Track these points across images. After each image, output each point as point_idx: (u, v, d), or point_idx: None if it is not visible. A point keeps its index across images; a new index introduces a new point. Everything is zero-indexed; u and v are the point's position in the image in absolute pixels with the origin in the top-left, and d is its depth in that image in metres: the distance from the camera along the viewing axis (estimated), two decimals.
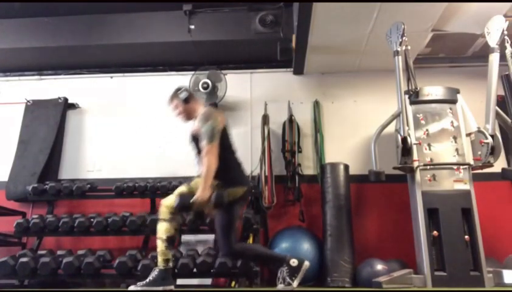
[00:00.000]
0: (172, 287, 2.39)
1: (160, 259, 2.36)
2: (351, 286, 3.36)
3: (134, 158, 4.37)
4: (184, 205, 2.29)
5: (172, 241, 2.40)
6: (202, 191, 2.24)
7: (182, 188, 2.50)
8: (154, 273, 2.36)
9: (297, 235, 3.67)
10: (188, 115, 2.60)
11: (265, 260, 2.62)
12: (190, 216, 3.30)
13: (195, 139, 2.45)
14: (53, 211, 4.04)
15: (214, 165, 2.29)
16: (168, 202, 2.41)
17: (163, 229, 2.37)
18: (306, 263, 2.39)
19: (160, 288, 2.32)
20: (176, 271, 3.03)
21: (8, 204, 4.06)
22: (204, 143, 2.33)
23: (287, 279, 2.32)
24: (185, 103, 2.58)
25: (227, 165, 2.40)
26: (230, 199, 2.32)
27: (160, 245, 2.36)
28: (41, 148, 4.29)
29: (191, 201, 2.25)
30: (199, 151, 2.42)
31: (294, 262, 2.36)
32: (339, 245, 3.49)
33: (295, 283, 2.31)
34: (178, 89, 2.63)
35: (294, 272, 2.34)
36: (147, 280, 2.35)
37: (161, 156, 4.40)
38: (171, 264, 2.40)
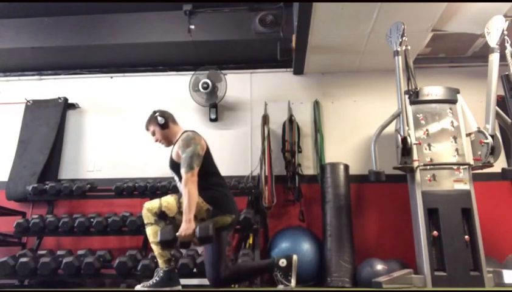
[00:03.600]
0: (179, 287, 2.35)
1: (160, 261, 2.29)
2: (351, 286, 3.36)
3: (134, 158, 4.37)
4: (168, 241, 2.14)
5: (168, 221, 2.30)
6: (186, 224, 2.11)
7: (170, 200, 2.30)
8: (159, 274, 2.29)
9: (297, 235, 3.67)
10: (168, 141, 2.47)
11: (255, 273, 2.57)
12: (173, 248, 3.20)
13: (175, 165, 2.34)
14: (53, 211, 4.04)
15: (195, 194, 2.17)
16: (151, 205, 2.28)
17: (152, 233, 2.26)
18: (295, 258, 2.34)
19: (168, 289, 2.27)
20: (176, 271, 3.02)
21: (8, 204, 4.06)
22: (183, 171, 2.20)
23: (284, 281, 2.30)
24: (163, 128, 2.44)
25: (214, 190, 2.30)
26: (218, 227, 2.22)
27: (155, 248, 2.27)
28: (41, 148, 4.29)
29: (176, 235, 2.13)
30: (180, 178, 2.28)
31: (282, 262, 2.32)
32: (339, 245, 3.49)
33: (292, 282, 2.30)
34: (154, 113, 2.49)
35: (286, 271, 2.31)
36: (153, 280, 2.29)
37: (161, 156, 4.37)
38: (173, 263, 2.35)
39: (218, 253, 2.30)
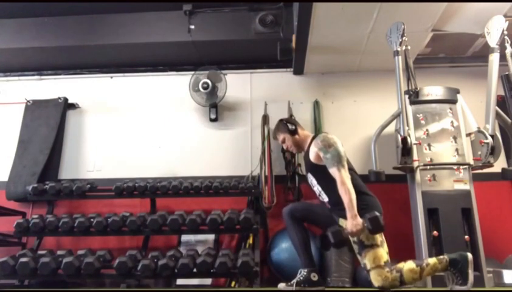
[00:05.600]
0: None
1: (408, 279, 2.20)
2: (351, 286, 3.36)
3: (134, 158, 4.37)
4: (340, 240, 2.14)
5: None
6: (353, 220, 2.11)
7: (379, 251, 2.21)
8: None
9: None
10: (298, 147, 2.53)
11: (304, 249, 2.46)
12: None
13: (314, 167, 2.38)
14: (53, 211, 4.04)
15: (353, 191, 2.17)
16: (382, 277, 2.17)
17: (407, 277, 2.18)
18: (322, 288, 2.36)
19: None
20: (176, 271, 3.02)
21: (8, 204, 4.06)
22: (334, 170, 2.22)
23: (296, 283, 2.32)
24: (293, 134, 2.51)
25: (360, 192, 2.28)
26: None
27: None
28: (41, 148, 4.29)
29: (346, 233, 2.13)
30: (320, 181, 2.37)
31: (314, 277, 2.34)
32: None
33: (295, 288, 2.32)
34: (281, 121, 2.56)
35: (306, 283, 2.32)
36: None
37: (161, 156, 4.40)
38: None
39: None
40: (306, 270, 2.36)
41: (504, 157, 3.45)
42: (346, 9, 3.41)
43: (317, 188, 2.44)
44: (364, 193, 2.33)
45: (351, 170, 2.38)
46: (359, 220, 2.12)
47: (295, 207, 2.46)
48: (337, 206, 2.29)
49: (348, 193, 2.15)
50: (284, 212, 2.47)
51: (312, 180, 2.47)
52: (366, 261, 2.20)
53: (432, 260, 2.27)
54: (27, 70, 4.77)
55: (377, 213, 2.12)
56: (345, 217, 2.18)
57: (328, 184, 2.30)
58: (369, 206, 2.26)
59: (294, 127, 2.51)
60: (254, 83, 4.60)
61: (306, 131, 2.60)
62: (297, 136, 2.52)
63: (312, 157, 2.40)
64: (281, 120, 2.58)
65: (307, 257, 2.41)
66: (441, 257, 2.30)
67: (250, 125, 4.43)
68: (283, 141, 2.56)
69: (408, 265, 2.21)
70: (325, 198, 2.40)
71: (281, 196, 4.06)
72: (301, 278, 2.34)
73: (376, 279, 2.17)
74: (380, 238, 2.22)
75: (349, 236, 2.17)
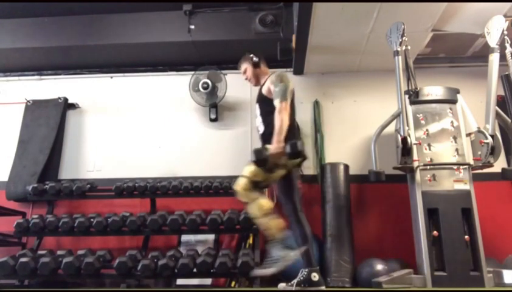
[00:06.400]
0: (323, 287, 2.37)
1: (272, 233, 2.39)
2: (351, 286, 3.36)
3: (134, 158, 4.37)
4: (260, 159, 2.32)
5: (269, 214, 2.41)
6: (277, 144, 2.30)
7: (249, 168, 2.46)
8: (302, 274, 2.34)
9: None
10: (257, 79, 2.71)
11: (305, 250, 2.46)
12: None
13: (263, 99, 2.57)
14: (53, 211, 4.04)
15: (287, 122, 2.36)
16: (242, 184, 2.43)
17: (257, 208, 2.39)
18: (322, 288, 2.36)
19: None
20: (176, 271, 3.03)
21: (8, 204, 4.06)
22: (277, 101, 2.41)
23: (296, 283, 2.32)
24: (255, 67, 2.69)
25: (290, 128, 2.44)
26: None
27: (263, 221, 2.41)
28: (41, 148, 4.29)
29: (268, 154, 2.30)
30: (262, 112, 2.55)
31: (314, 277, 2.34)
32: (339, 245, 3.49)
33: (296, 288, 2.31)
34: (248, 53, 2.72)
35: (307, 283, 2.32)
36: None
37: (161, 156, 4.40)
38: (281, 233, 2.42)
39: (292, 186, 2.46)
40: (306, 270, 2.36)
41: (504, 157, 3.44)
42: (346, 9, 3.41)
43: (258, 118, 2.63)
44: (294, 133, 2.49)
45: (293, 114, 2.55)
46: (282, 144, 2.31)
47: (293, 200, 2.48)
48: (270, 136, 2.41)
49: (281, 121, 2.35)
50: (288, 210, 2.49)
51: (257, 110, 2.65)
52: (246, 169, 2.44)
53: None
54: (27, 70, 4.77)
55: (298, 141, 2.30)
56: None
57: (269, 115, 2.48)
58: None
59: (257, 60, 2.69)
60: None
61: (268, 69, 2.79)
62: (258, 69, 2.72)
63: (264, 89, 2.59)
64: (248, 52, 2.74)
65: (309, 257, 2.42)
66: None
67: (250, 125, 4.43)
68: (245, 71, 2.75)
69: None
70: (261, 129, 2.59)
71: None
72: (302, 278, 2.34)
73: (238, 184, 2.44)
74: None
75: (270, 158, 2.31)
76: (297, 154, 2.31)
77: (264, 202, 2.42)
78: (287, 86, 2.47)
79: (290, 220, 2.44)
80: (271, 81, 2.53)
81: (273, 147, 2.31)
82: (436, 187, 3.18)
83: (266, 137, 2.50)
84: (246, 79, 2.78)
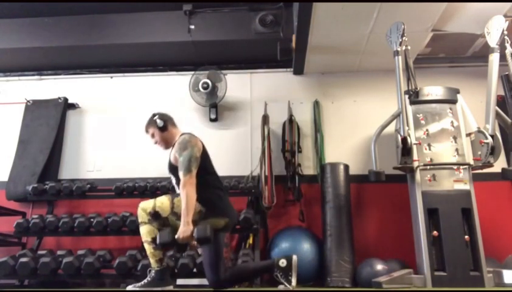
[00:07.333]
0: (171, 287, 2.35)
1: (152, 261, 2.29)
2: (351, 286, 3.36)
3: (134, 158, 4.37)
4: (166, 243, 2.17)
5: (155, 242, 2.30)
6: (184, 227, 2.12)
7: (164, 200, 2.32)
8: (150, 274, 2.31)
9: (297, 235, 3.67)
10: (166, 143, 2.49)
11: (255, 274, 2.56)
12: (171, 251, 3.15)
13: (173, 168, 2.37)
14: (53, 211, 4.04)
15: (194, 197, 2.17)
16: (145, 205, 2.30)
17: (145, 232, 2.27)
18: (294, 258, 2.36)
19: (159, 289, 2.28)
20: (176, 271, 3.03)
21: (8, 204, 4.06)
22: (181, 174, 2.22)
23: (284, 281, 2.31)
24: (162, 131, 2.46)
25: (209, 191, 2.31)
26: (213, 229, 2.20)
27: (148, 247, 2.28)
28: (41, 148, 4.29)
29: (174, 237, 2.14)
30: (178, 180, 2.30)
31: (282, 263, 2.34)
32: (339, 245, 3.49)
33: (293, 282, 2.31)
34: (153, 116, 2.50)
35: (286, 272, 2.32)
36: (144, 281, 2.30)
37: (161, 156, 4.36)
38: (165, 263, 2.34)
39: (216, 255, 2.30)
40: (275, 269, 2.35)
41: (504, 157, 3.44)
42: (346, 9, 3.41)
43: (176, 187, 2.42)
44: (218, 197, 2.34)
45: (210, 173, 2.39)
46: (190, 228, 2.12)
47: (218, 271, 2.31)
48: None
49: (185, 199, 2.14)
50: (211, 282, 2.34)
51: (172, 179, 2.46)
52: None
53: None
54: (27, 70, 4.76)
55: (207, 226, 2.13)
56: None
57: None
58: (216, 209, 2.30)
59: (163, 123, 2.45)
60: (254, 83, 4.59)
61: (178, 129, 2.54)
62: (166, 133, 2.47)
63: (171, 157, 2.40)
64: (153, 115, 2.51)
65: (263, 268, 2.47)
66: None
67: (250, 125, 4.43)
68: (152, 135, 2.51)
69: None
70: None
71: (281, 196, 4.06)
72: (281, 274, 2.33)
73: (143, 204, 2.32)
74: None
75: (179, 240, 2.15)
76: (206, 240, 2.12)
77: (152, 228, 2.27)
78: (191, 154, 2.26)
79: (216, 287, 2.34)
80: (175, 150, 2.34)
81: (180, 231, 2.12)
82: (436, 187, 3.18)
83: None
84: (156, 143, 2.53)
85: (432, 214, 3.15)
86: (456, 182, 3.19)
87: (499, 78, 3.25)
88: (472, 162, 3.21)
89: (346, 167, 3.83)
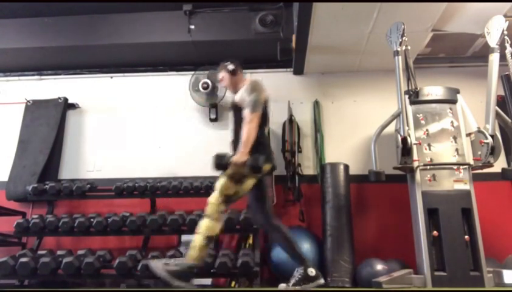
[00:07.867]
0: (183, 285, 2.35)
1: (192, 253, 2.32)
2: (351, 286, 3.36)
3: (134, 158, 4.37)
4: (221, 164, 2.34)
5: (210, 241, 2.37)
6: (240, 155, 2.30)
7: (221, 182, 2.43)
8: (180, 263, 2.35)
9: (297, 235, 3.65)
10: (235, 87, 2.71)
11: (291, 250, 2.47)
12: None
13: (236, 108, 2.57)
14: (53, 211, 4.04)
15: (255, 133, 2.36)
16: (214, 198, 2.40)
17: (207, 226, 2.35)
18: (321, 281, 2.35)
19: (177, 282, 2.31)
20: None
21: (8, 204, 4.06)
22: (247, 111, 2.40)
23: (296, 283, 2.31)
24: (232, 74, 2.71)
25: (259, 138, 2.45)
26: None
27: (198, 240, 2.33)
28: (41, 148, 4.29)
29: (229, 161, 2.30)
30: (235, 119, 2.56)
31: (311, 272, 2.34)
32: (339, 245, 3.49)
33: (296, 288, 2.30)
34: (225, 63, 2.77)
35: (306, 280, 2.32)
36: (173, 268, 2.32)
37: (161, 156, 4.40)
38: (201, 262, 2.39)
39: (263, 196, 2.47)
40: (302, 267, 2.36)
41: (504, 157, 3.44)
42: (346, 9, 3.41)
43: (231, 126, 2.65)
44: (263, 146, 2.48)
45: (263, 124, 2.55)
46: (246, 156, 2.30)
47: (265, 210, 2.47)
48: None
49: (248, 132, 2.35)
50: (259, 220, 2.51)
51: (233, 118, 2.66)
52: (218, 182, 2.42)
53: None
54: (27, 70, 4.77)
55: (260, 157, 2.32)
56: None
57: (240, 124, 2.47)
58: (265, 153, 2.43)
59: (233, 68, 2.73)
60: None
61: (244, 77, 2.82)
62: (235, 77, 2.73)
63: (238, 97, 2.60)
64: (226, 61, 2.79)
65: (298, 255, 2.43)
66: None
67: None
68: (222, 79, 2.78)
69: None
70: (232, 137, 2.60)
71: (281, 196, 4.06)
72: (300, 276, 2.34)
73: (212, 197, 2.41)
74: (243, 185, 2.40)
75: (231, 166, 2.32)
76: (257, 169, 2.30)
77: (215, 227, 2.36)
78: (259, 97, 2.47)
79: (265, 229, 2.43)
80: (245, 90, 2.55)
81: (236, 157, 2.31)
82: (436, 187, 3.18)
83: (236, 145, 2.49)
84: (224, 87, 2.78)
85: (432, 214, 3.15)
86: (456, 182, 3.19)
87: (499, 78, 3.25)
88: (472, 162, 3.21)
89: (346, 167, 3.83)
